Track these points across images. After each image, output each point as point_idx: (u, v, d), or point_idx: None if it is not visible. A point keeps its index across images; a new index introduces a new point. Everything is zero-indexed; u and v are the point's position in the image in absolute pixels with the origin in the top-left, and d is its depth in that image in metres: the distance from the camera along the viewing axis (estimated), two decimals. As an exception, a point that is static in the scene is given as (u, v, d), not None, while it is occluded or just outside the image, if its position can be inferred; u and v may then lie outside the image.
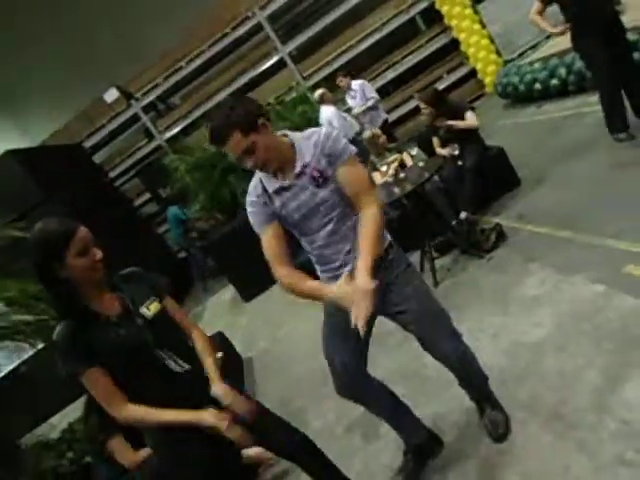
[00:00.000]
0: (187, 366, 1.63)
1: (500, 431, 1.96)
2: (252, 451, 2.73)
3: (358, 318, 1.43)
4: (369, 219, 1.61)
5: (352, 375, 1.89)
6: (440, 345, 1.86)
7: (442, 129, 4.13)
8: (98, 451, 2.52)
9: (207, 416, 1.54)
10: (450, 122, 3.99)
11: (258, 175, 1.69)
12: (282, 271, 1.64)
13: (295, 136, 1.67)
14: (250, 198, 1.69)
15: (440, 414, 2.31)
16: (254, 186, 1.69)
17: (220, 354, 1.74)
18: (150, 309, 1.62)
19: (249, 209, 1.69)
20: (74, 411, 4.55)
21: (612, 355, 2.01)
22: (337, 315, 1.75)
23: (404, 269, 1.80)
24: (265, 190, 1.66)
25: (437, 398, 2.40)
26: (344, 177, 1.63)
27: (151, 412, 1.54)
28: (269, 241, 1.66)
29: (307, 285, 1.61)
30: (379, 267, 1.66)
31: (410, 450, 2.09)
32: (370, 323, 1.85)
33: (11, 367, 4.37)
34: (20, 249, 3.51)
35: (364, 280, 1.49)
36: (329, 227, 1.67)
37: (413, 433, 2.08)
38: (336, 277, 1.67)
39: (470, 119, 3.99)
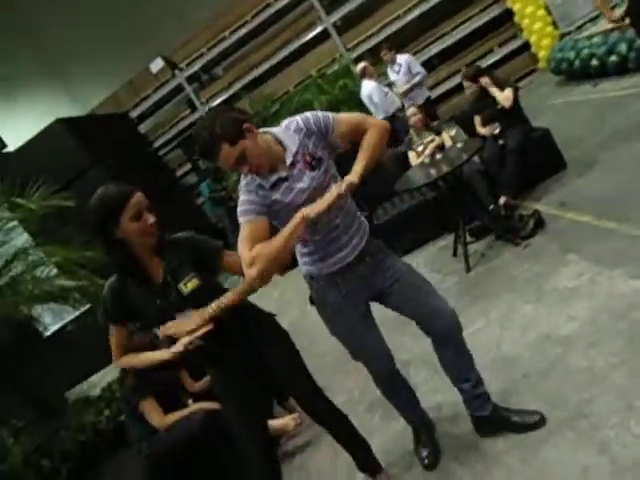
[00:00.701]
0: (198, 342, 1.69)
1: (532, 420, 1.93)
2: (276, 422, 2.82)
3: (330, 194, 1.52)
4: (370, 134, 1.68)
5: (389, 354, 1.98)
6: (434, 300, 1.85)
7: (487, 107, 3.98)
8: (131, 411, 2.68)
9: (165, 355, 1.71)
10: (487, 84, 3.83)
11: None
12: (253, 250, 1.52)
13: (276, 131, 1.68)
14: (248, 187, 1.63)
15: (458, 402, 2.29)
16: (251, 179, 1.63)
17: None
18: (187, 286, 1.69)
19: (245, 196, 1.62)
20: (113, 370, 4.83)
21: (646, 355, 1.93)
22: (350, 307, 1.83)
23: (385, 250, 1.89)
24: (261, 185, 1.63)
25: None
26: (341, 134, 1.68)
27: (130, 358, 1.80)
28: (257, 230, 1.58)
29: (276, 239, 1.53)
30: (368, 253, 1.78)
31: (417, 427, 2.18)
32: (367, 308, 1.91)
33: (57, 327, 4.67)
34: (65, 217, 3.70)
35: (351, 175, 1.58)
36: None
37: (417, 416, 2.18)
38: (341, 262, 1.74)
39: (506, 94, 3.80)
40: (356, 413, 2.72)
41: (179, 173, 9.88)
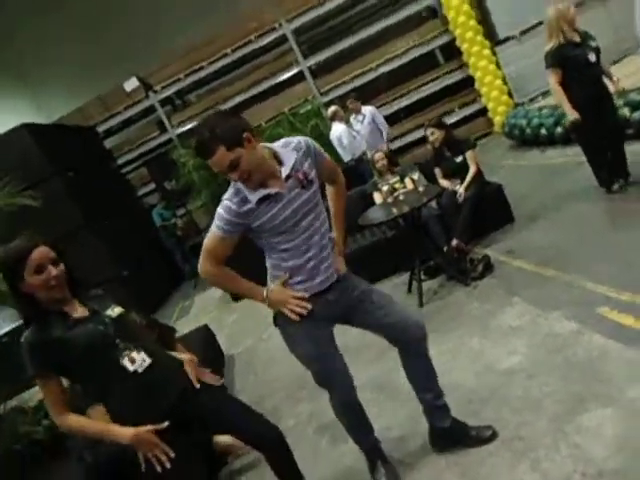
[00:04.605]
0: (149, 360, 1.69)
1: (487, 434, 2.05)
2: (224, 439, 2.80)
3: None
4: (341, 192, 2.05)
5: (351, 378, 1.99)
6: (401, 311, 1.95)
7: (446, 160, 4.32)
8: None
9: (125, 436, 1.60)
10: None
11: (238, 184, 1.71)
12: (215, 269, 1.79)
13: (274, 146, 1.77)
14: (229, 204, 1.70)
15: (406, 424, 2.41)
16: (234, 193, 1.71)
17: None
18: (115, 311, 1.72)
19: (223, 213, 1.71)
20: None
21: (576, 386, 2.13)
22: (317, 328, 1.87)
23: (349, 272, 1.99)
24: (246, 199, 1.69)
25: (405, 409, 2.50)
26: (323, 166, 1.88)
27: (86, 423, 1.64)
28: (221, 245, 1.75)
29: (241, 284, 1.82)
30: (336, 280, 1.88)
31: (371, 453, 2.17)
32: (332, 330, 1.95)
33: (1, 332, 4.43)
34: (26, 217, 3.63)
35: (342, 265, 1.91)
36: (316, 224, 1.79)
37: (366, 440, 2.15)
38: (318, 287, 1.82)
39: (470, 159, 4.21)
40: (304, 436, 2.76)
41: (140, 192, 9.78)
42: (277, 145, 1.78)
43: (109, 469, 2.31)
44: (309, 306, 1.79)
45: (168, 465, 1.61)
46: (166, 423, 1.63)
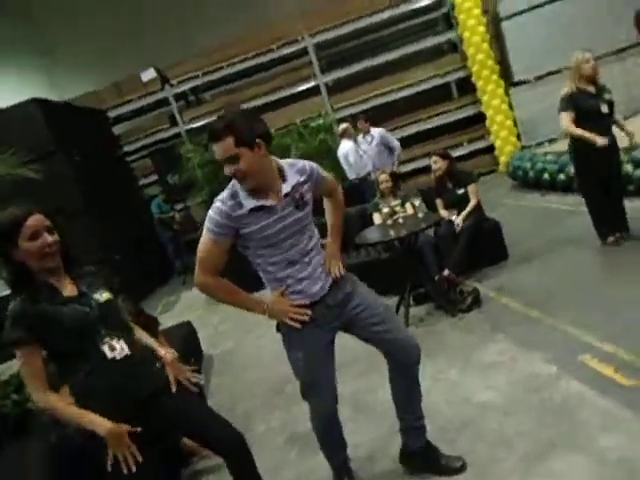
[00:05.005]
0: (127, 351, 1.68)
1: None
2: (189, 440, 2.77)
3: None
4: (338, 203, 2.06)
5: (336, 393, 1.99)
6: (401, 331, 1.97)
7: (448, 191, 4.37)
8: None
9: (103, 427, 1.58)
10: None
11: (236, 187, 1.74)
12: (212, 279, 1.78)
13: (282, 162, 1.82)
14: (220, 206, 1.72)
15: (378, 443, 2.41)
16: (229, 196, 1.73)
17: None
18: (103, 296, 1.71)
19: (214, 215, 1.72)
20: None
21: (549, 430, 2.14)
22: (315, 335, 1.86)
23: (355, 280, 1.99)
24: (240, 204, 1.71)
25: (380, 428, 2.50)
26: (324, 187, 1.97)
27: (63, 407, 1.61)
28: (215, 249, 1.75)
29: (240, 296, 1.85)
30: (336, 285, 1.89)
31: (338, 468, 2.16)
32: (331, 339, 1.94)
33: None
34: (25, 192, 3.61)
35: (336, 269, 1.89)
36: (303, 242, 1.81)
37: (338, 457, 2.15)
38: (315, 296, 1.83)
39: (472, 192, 4.27)
40: (274, 445, 2.74)
41: (142, 183, 9.76)
42: (285, 162, 1.83)
43: (72, 454, 2.27)
44: (309, 312, 1.81)
45: (134, 469, 1.58)
46: (139, 428, 1.62)
